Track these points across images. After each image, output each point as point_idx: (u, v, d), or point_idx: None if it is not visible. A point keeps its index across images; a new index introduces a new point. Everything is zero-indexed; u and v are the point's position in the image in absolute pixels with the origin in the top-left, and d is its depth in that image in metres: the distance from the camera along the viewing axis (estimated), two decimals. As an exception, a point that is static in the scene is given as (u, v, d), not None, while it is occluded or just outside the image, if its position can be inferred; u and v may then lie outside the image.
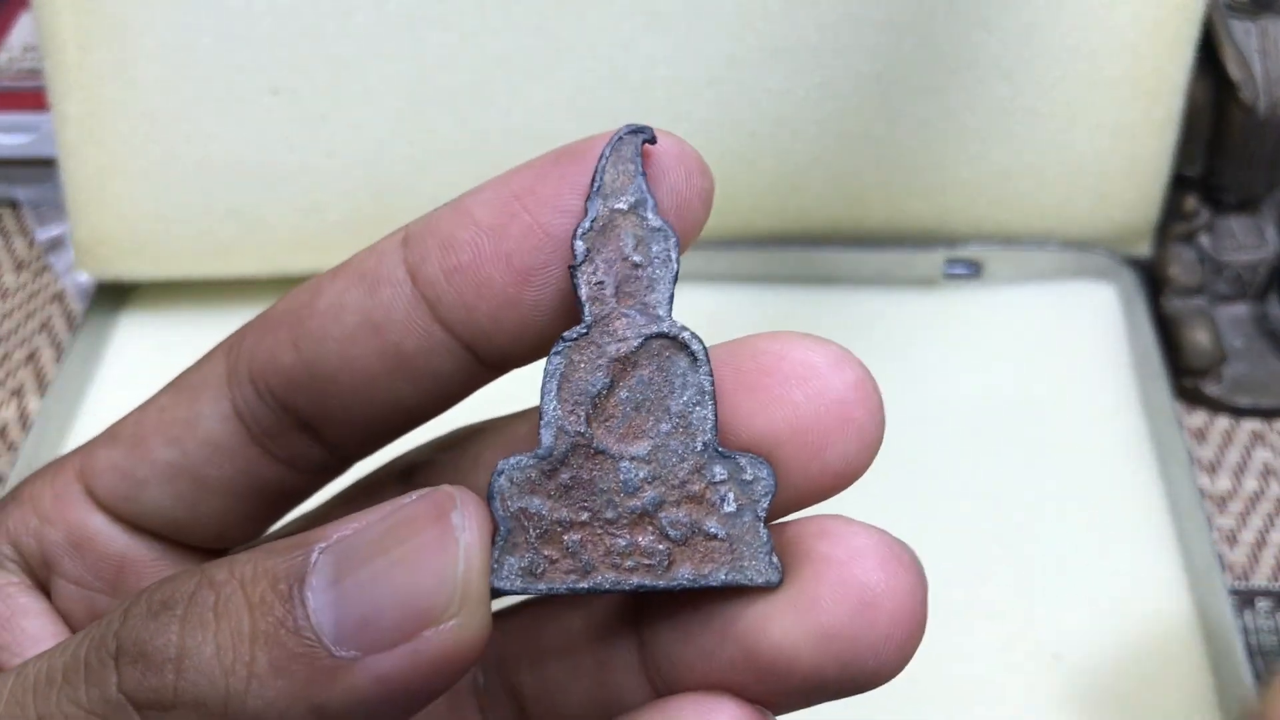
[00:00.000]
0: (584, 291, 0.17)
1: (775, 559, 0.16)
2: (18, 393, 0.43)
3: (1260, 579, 0.37)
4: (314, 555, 0.15)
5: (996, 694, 0.34)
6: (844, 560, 0.16)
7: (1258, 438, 0.41)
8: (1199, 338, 0.41)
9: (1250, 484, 0.39)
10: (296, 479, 0.20)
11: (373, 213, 0.42)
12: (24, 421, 0.42)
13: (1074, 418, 0.40)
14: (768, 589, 0.16)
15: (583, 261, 0.17)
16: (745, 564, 0.16)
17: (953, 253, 0.43)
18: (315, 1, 0.39)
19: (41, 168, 0.47)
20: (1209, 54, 0.41)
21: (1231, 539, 0.38)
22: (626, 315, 0.17)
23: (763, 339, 0.17)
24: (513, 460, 0.17)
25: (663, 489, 0.17)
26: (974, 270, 0.43)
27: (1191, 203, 0.43)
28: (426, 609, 0.15)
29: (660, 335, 0.17)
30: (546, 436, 0.17)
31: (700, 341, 0.17)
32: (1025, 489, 0.38)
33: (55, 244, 0.47)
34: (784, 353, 0.17)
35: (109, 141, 0.40)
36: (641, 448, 0.17)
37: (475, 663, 0.15)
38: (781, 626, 0.16)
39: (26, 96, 0.48)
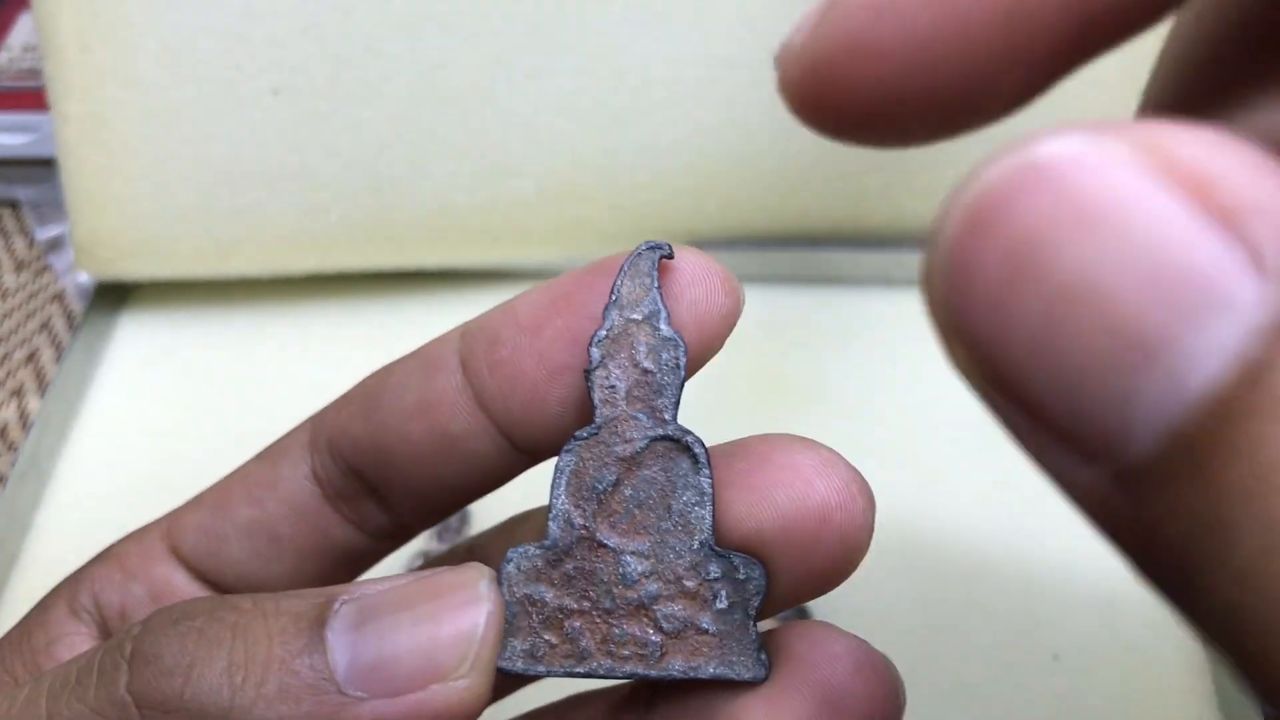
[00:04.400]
0: (597, 395, 0.18)
1: (763, 655, 0.17)
2: (18, 393, 0.43)
3: (1260, 579, 0.37)
4: (337, 604, 0.16)
5: (996, 694, 0.34)
6: (815, 663, 0.17)
7: (1257, 438, 0.41)
8: (1198, 338, 0.41)
9: (1250, 484, 0.39)
10: (363, 542, 0.21)
11: (373, 213, 0.42)
12: (24, 421, 0.42)
13: (1074, 418, 0.40)
14: (754, 684, 0.17)
15: (597, 366, 0.18)
16: (734, 659, 0.17)
17: (952, 253, 0.43)
18: (315, 1, 0.39)
19: (41, 168, 0.47)
20: (1208, 54, 0.41)
21: (1231, 539, 0.38)
22: (635, 418, 0.18)
23: (757, 440, 0.18)
24: (521, 549, 0.18)
25: (660, 583, 0.18)
26: (974, 270, 0.43)
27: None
28: (440, 663, 0.16)
29: (665, 438, 0.18)
30: (554, 528, 0.18)
31: (702, 445, 0.18)
32: (1025, 489, 0.38)
33: (55, 244, 0.47)
34: (772, 455, 0.18)
35: (109, 141, 0.40)
36: (642, 543, 0.18)
37: None
38: (753, 718, 0.17)
39: (26, 96, 0.48)
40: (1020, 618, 0.35)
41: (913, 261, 0.43)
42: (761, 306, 0.43)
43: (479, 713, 0.16)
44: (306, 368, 0.41)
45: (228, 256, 0.42)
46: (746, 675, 0.17)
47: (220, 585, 0.21)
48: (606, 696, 0.20)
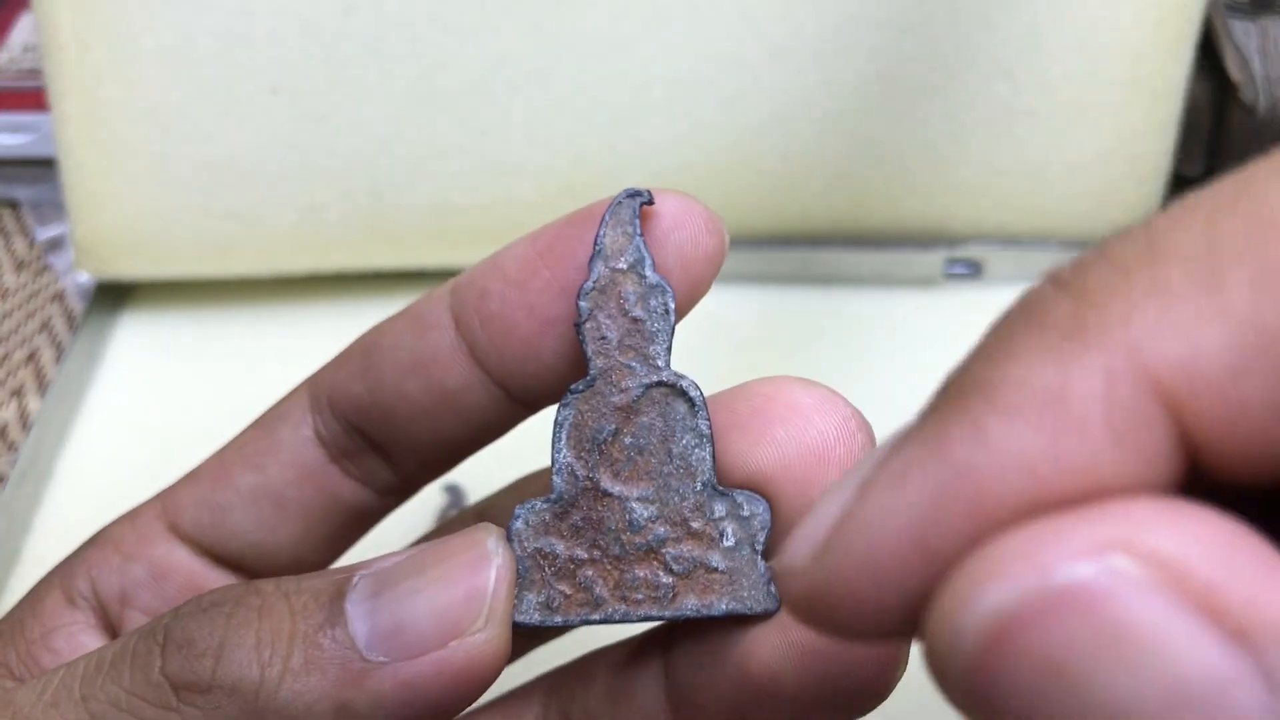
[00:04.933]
0: (589, 347, 0.18)
1: (773, 588, 0.18)
2: (18, 393, 0.43)
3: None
4: (355, 578, 0.17)
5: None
6: None
7: (1258, 438, 0.41)
8: (1199, 338, 0.41)
9: (1250, 484, 0.39)
10: (370, 499, 0.21)
11: (373, 213, 0.42)
12: (24, 421, 0.42)
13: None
14: (766, 616, 0.18)
15: (586, 319, 0.18)
16: (745, 594, 0.18)
17: (953, 252, 0.43)
18: (315, 1, 0.39)
19: (41, 167, 0.47)
20: (1209, 54, 0.41)
21: (1232, 539, 0.38)
22: (629, 367, 0.18)
23: (758, 383, 0.19)
24: (529, 504, 0.18)
25: (667, 526, 0.18)
26: (974, 270, 0.43)
27: (1192, 203, 0.43)
28: (456, 620, 0.16)
29: (660, 384, 0.18)
30: (559, 481, 0.18)
31: (698, 388, 0.18)
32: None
33: (55, 244, 0.47)
34: (774, 395, 0.18)
35: (109, 141, 0.40)
36: (646, 489, 0.18)
37: (491, 682, 0.17)
38: (769, 645, 0.17)
39: (26, 96, 0.48)
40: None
41: (913, 261, 0.43)
42: (761, 306, 0.43)
43: (500, 665, 0.17)
44: (306, 368, 0.41)
45: (228, 256, 0.42)
46: (759, 608, 0.18)
47: (224, 557, 0.21)
48: (624, 645, 0.20)
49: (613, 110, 0.41)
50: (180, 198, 0.41)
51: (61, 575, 0.21)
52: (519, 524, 0.18)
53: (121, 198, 0.41)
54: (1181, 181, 0.43)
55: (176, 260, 0.42)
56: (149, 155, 0.40)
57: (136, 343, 0.43)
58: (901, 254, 0.43)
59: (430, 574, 0.17)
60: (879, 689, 0.17)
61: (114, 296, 0.44)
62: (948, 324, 0.43)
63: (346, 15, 0.39)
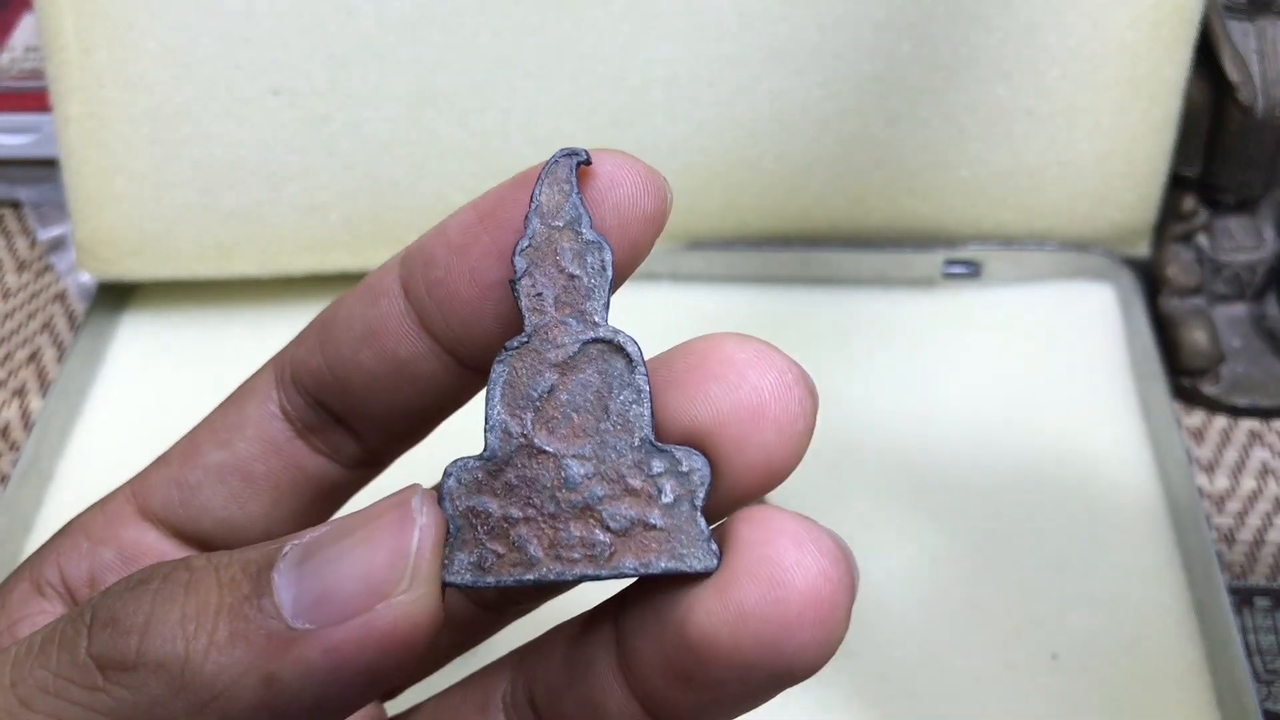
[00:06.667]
0: (524, 303, 0.18)
1: (713, 545, 0.17)
2: (20, 392, 0.43)
3: (1258, 577, 0.37)
4: (286, 547, 0.16)
5: (996, 694, 0.34)
6: (760, 542, 0.17)
7: (1255, 437, 0.41)
8: (1197, 338, 0.41)
9: (1248, 483, 0.40)
10: (337, 473, 0.21)
11: (373, 213, 0.42)
12: (26, 421, 0.42)
13: (1072, 417, 0.40)
14: (707, 574, 0.17)
15: (522, 276, 0.18)
16: (684, 551, 0.17)
17: (952, 253, 0.43)
18: (315, 1, 0.39)
19: (43, 168, 0.47)
20: (1207, 55, 0.41)
21: (1229, 538, 0.38)
22: (565, 323, 0.18)
23: (695, 340, 0.18)
24: (460, 461, 0.18)
25: (604, 484, 0.18)
26: (973, 270, 0.44)
27: (1190, 203, 0.43)
28: (381, 582, 0.16)
29: (597, 340, 0.18)
30: (492, 439, 0.18)
31: (635, 344, 0.18)
32: (1024, 489, 0.38)
33: (57, 244, 0.47)
34: (710, 351, 0.18)
35: (110, 142, 0.40)
36: (583, 446, 0.18)
37: (423, 648, 0.16)
38: (705, 608, 0.17)
39: (28, 97, 0.48)
40: (1020, 617, 0.35)
41: (912, 261, 0.43)
42: (761, 306, 0.44)
43: (432, 627, 0.16)
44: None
45: (228, 257, 0.42)
46: (699, 566, 0.17)
47: (196, 537, 0.21)
48: (576, 620, 0.20)
49: (613, 110, 0.41)
50: (181, 198, 0.41)
51: (30, 566, 0.21)
52: (451, 482, 0.17)
53: (123, 198, 0.41)
54: (1179, 182, 0.43)
55: (178, 261, 0.42)
56: (150, 156, 0.41)
57: (138, 343, 0.43)
58: (900, 254, 0.43)
59: (355, 537, 0.16)
60: (816, 655, 0.16)
61: (116, 297, 0.44)
62: (947, 324, 0.43)
63: (347, 16, 0.39)
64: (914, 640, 0.35)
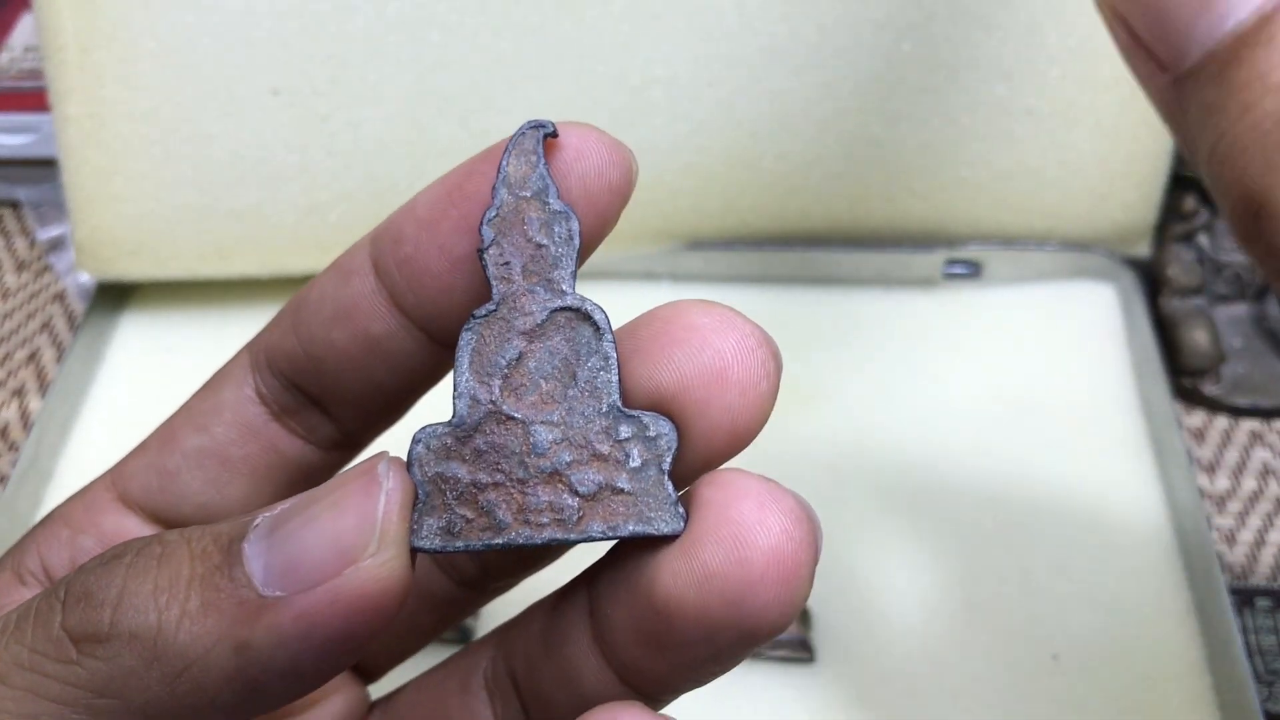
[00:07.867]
0: (492, 272, 0.18)
1: (681, 509, 0.17)
2: (19, 393, 0.43)
3: (1259, 578, 0.37)
4: (256, 519, 0.16)
5: (996, 694, 0.34)
6: (723, 503, 0.17)
7: (1256, 437, 0.41)
8: (1198, 338, 0.41)
9: (1249, 483, 0.40)
10: (314, 455, 0.21)
11: (373, 213, 0.42)
12: (25, 421, 0.42)
13: (1073, 417, 0.40)
14: (674, 537, 0.17)
15: (489, 245, 0.18)
16: (651, 515, 0.17)
17: (952, 253, 0.43)
18: (315, 1, 0.39)
19: (42, 168, 0.47)
20: (1208, 54, 0.41)
21: (1230, 538, 0.38)
22: (533, 291, 0.18)
23: (660, 308, 0.18)
24: (429, 428, 0.18)
25: (572, 450, 0.18)
26: (973, 270, 0.44)
27: (1191, 203, 0.43)
28: (349, 547, 0.16)
29: (565, 308, 0.18)
30: (460, 406, 0.18)
31: (603, 311, 0.18)
32: (1025, 488, 0.38)
33: (56, 244, 0.47)
34: (673, 318, 0.18)
35: (110, 142, 0.40)
36: (551, 413, 0.18)
37: (394, 612, 0.16)
38: (671, 570, 0.17)
39: (28, 97, 0.48)
40: (1020, 618, 0.35)
41: (913, 261, 0.43)
42: (761, 306, 0.43)
43: (402, 591, 0.16)
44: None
45: (228, 257, 0.42)
46: (666, 529, 0.17)
47: (175, 522, 0.21)
48: (553, 594, 0.20)
49: (613, 110, 0.41)
50: (181, 198, 0.41)
51: (12, 556, 0.21)
52: (419, 449, 0.18)
53: (122, 198, 0.41)
54: (1180, 181, 0.43)
55: (177, 260, 0.42)
56: (150, 156, 0.40)
57: (137, 343, 0.43)
58: (901, 254, 0.43)
59: (323, 504, 0.16)
60: (780, 613, 0.17)
61: (115, 297, 0.44)
62: (947, 324, 0.43)
63: (347, 16, 0.39)
64: (914, 640, 0.35)
